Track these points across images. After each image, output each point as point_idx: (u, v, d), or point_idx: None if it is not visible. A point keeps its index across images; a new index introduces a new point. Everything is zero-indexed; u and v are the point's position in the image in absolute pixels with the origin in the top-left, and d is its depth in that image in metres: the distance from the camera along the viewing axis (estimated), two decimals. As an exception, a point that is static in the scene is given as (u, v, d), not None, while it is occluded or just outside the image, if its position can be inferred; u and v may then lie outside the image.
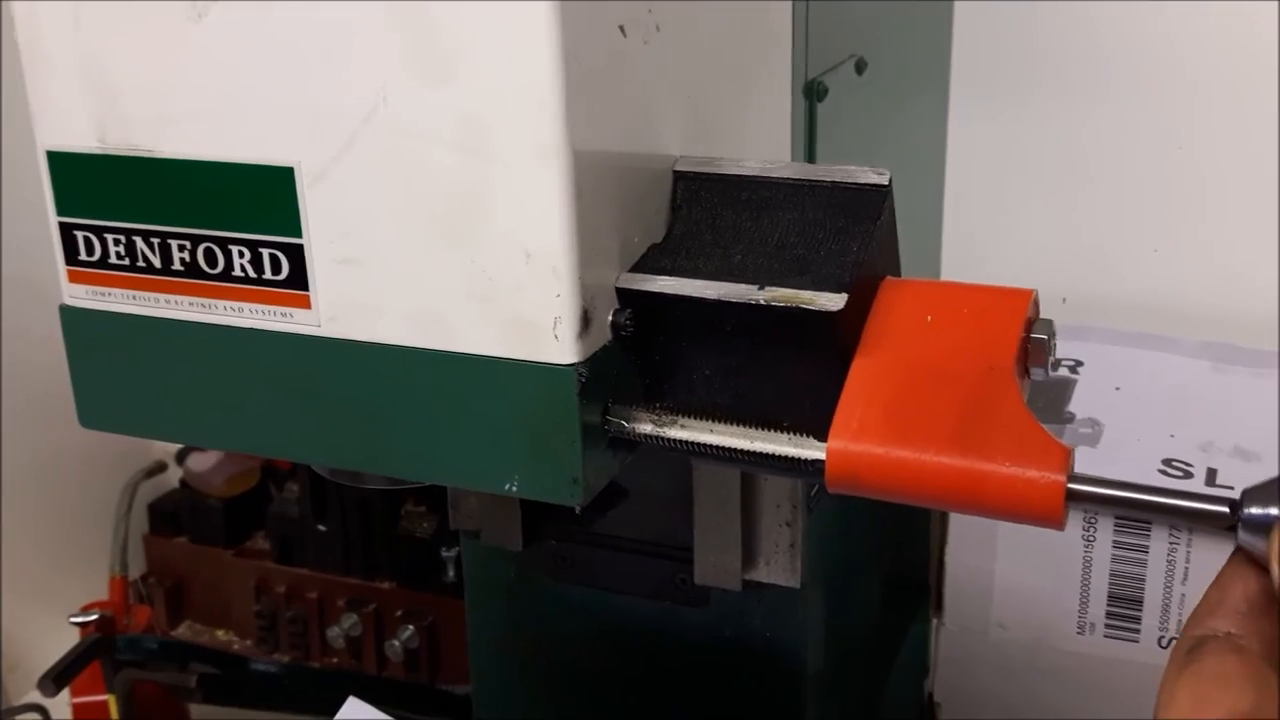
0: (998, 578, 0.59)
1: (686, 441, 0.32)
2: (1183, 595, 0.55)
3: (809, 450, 0.31)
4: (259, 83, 0.32)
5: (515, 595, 0.55)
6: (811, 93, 0.44)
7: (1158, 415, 0.55)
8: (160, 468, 0.86)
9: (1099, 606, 0.58)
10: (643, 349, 0.33)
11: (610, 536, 0.52)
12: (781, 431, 0.31)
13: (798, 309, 0.30)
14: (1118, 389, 0.57)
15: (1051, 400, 0.56)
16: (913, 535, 0.62)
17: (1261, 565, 0.28)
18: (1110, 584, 0.57)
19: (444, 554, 0.76)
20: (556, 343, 0.31)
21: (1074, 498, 0.28)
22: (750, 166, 0.34)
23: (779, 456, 0.31)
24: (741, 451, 0.32)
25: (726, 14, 0.37)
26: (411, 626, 0.76)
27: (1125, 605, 0.57)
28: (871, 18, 0.51)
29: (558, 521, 0.53)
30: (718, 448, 0.32)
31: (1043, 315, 0.32)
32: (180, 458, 0.85)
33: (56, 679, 0.59)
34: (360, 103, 0.31)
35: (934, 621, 0.62)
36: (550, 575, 0.54)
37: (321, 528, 0.79)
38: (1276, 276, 0.66)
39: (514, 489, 0.32)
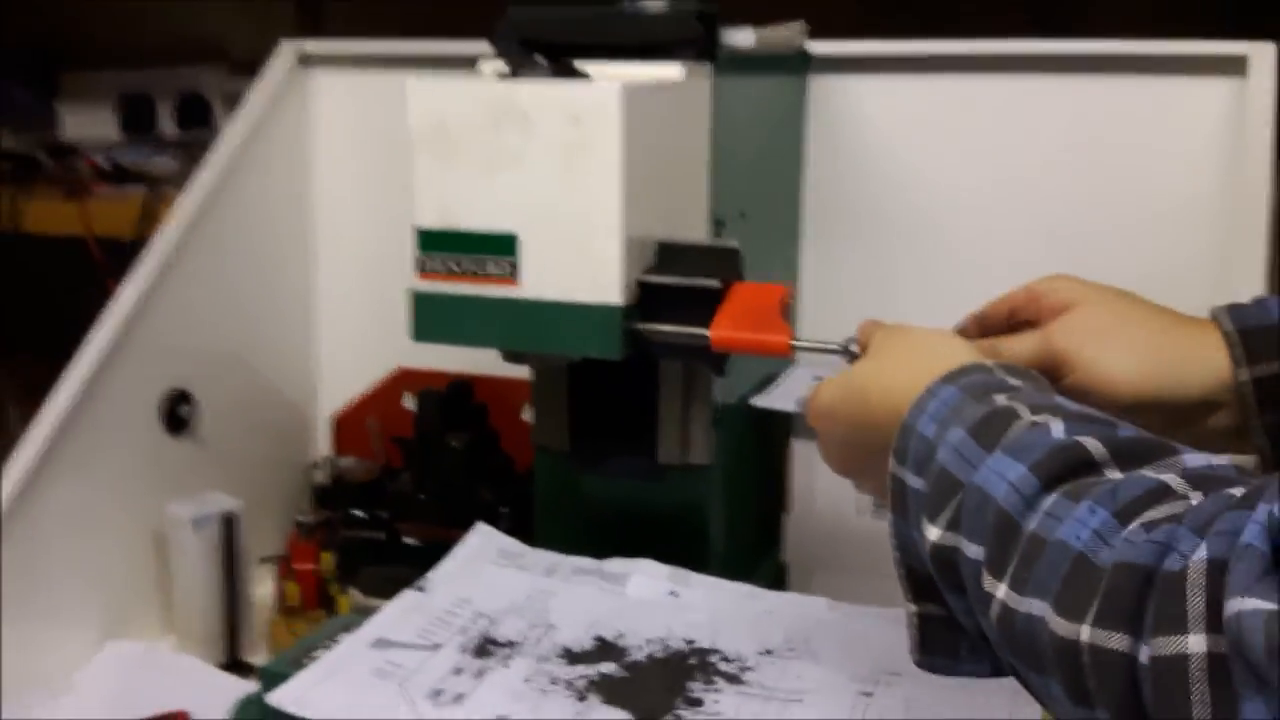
0: (817, 489, 1.17)
1: (662, 330, 0.91)
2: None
3: (705, 337, 0.89)
4: (504, 203, 0.90)
5: (565, 479, 1.12)
6: (717, 223, 1.03)
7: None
8: (319, 464, 1.42)
9: (865, 501, 1.15)
10: (645, 305, 0.91)
11: (615, 443, 1.10)
12: (699, 331, 0.90)
13: (701, 287, 0.90)
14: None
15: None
16: (774, 468, 1.20)
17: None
18: (872, 487, 1.15)
19: (501, 510, 1.32)
20: (619, 297, 0.89)
21: (793, 349, 0.87)
22: (687, 237, 0.93)
23: (699, 344, 0.90)
24: (683, 344, 0.90)
25: (681, 174, 0.97)
26: (482, 552, 1.31)
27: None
28: (751, 189, 1.11)
29: (586, 438, 1.10)
30: (675, 342, 0.90)
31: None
32: (331, 461, 1.42)
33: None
34: (546, 201, 0.89)
35: (784, 515, 1.20)
36: (581, 466, 1.11)
37: (422, 497, 1.35)
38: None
39: (595, 354, 0.90)
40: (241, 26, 1.82)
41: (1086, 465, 0.58)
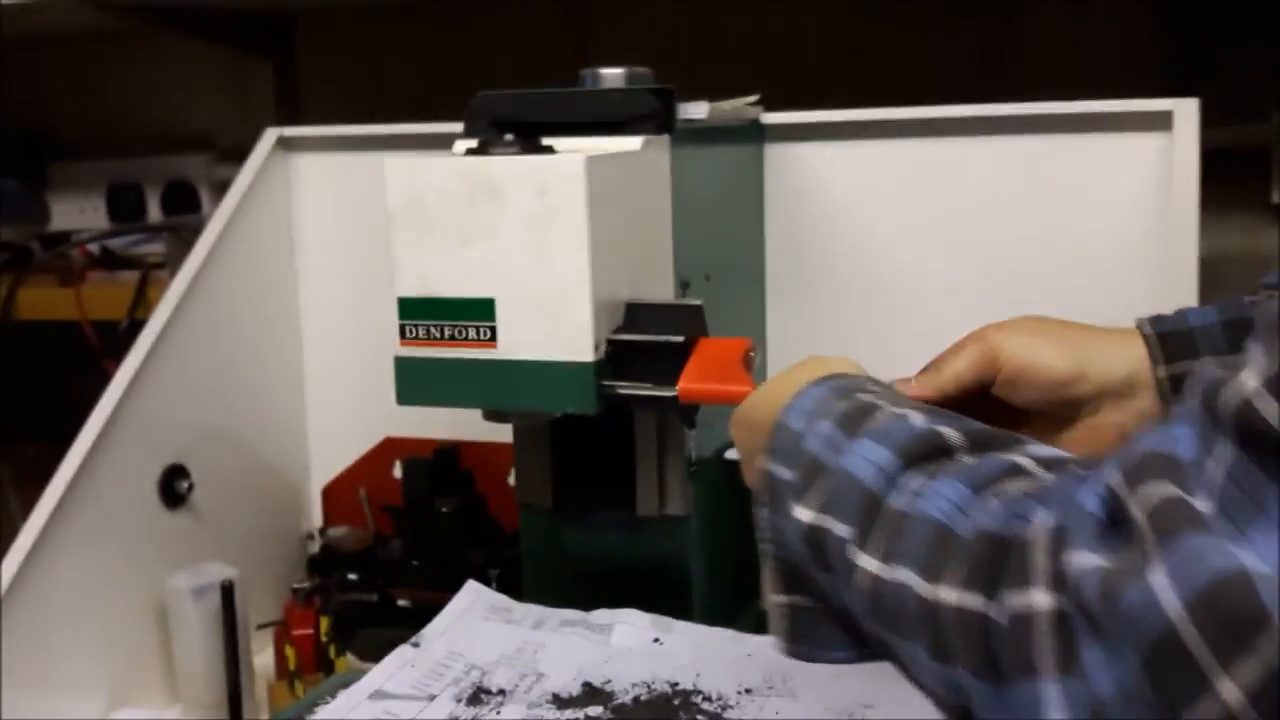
0: (791, 533, 1.22)
1: (632, 385, 0.96)
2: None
3: (672, 390, 0.95)
4: (480, 271, 0.97)
5: (549, 535, 1.17)
6: (683, 285, 1.10)
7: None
8: (312, 535, 1.47)
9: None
10: (615, 362, 0.97)
11: (597, 498, 1.15)
12: (667, 385, 0.96)
13: (668, 342, 0.96)
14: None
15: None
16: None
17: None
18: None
19: (490, 573, 1.37)
20: (590, 355, 0.95)
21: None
22: (654, 298, 0.99)
23: (666, 396, 0.95)
24: (651, 396, 0.96)
25: (646, 239, 1.03)
26: (473, 613, 1.36)
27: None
28: (715, 252, 1.18)
29: (569, 494, 1.16)
30: (644, 396, 0.96)
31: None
32: (323, 532, 1.47)
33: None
34: (520, 267, 0.96)
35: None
36: (564, 522, 1.16)
37: (415, 563, 1.40)
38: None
39: (571, 409, 0.96)
40: (225, 115, 1.90)
41: (945, 450, 0.65)
